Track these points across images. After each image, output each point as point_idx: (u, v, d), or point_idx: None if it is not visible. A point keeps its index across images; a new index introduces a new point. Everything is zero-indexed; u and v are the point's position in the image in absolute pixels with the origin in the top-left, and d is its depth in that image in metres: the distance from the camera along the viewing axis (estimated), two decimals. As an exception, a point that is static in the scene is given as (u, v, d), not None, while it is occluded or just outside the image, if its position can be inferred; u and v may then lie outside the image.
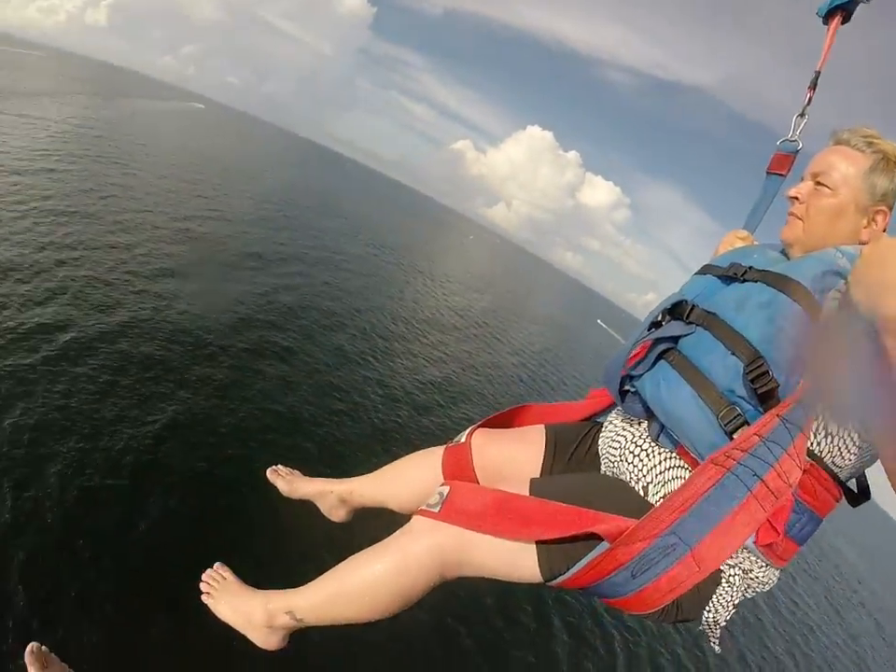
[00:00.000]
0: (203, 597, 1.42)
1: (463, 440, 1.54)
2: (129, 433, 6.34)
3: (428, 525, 1.19)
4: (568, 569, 1.13)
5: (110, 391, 7.38)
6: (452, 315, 22.41)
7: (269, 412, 8.11)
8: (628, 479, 1.34)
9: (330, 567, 1.29)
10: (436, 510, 1.19)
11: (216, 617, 1.41)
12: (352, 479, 1.72)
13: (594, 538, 1.11)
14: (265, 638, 1.31)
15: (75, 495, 5.21)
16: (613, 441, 1.42)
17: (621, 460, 1.37)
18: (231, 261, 15.87)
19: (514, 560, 1.17)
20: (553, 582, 1.18)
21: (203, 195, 24.13)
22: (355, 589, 1.19)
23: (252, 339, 10.54)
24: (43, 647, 1.36)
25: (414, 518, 1.25)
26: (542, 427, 1.58)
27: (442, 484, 1.29)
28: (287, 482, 1.79)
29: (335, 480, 1.75)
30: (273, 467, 1.85)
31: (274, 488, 1.80)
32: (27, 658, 1.30)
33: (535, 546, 1.15)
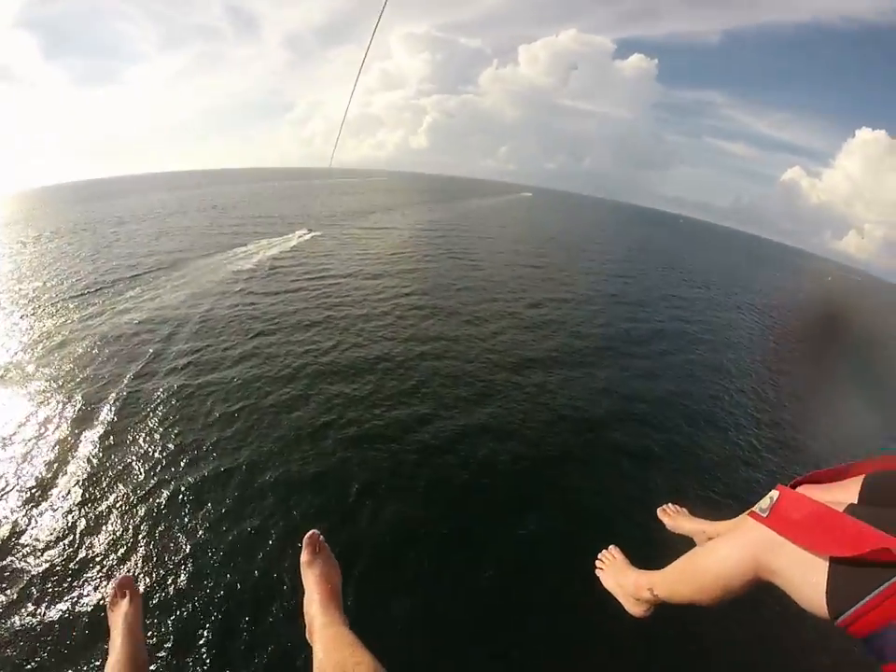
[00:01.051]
0: (597, 571, 1.89)
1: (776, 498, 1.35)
2: (539, 515, 7.58)
3: (753, 526, 1.26)
4: (858, 601, 1.03)
5: (508, 473, 8.35)
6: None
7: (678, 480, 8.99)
8: None
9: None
10: (764, 514, 1.24)
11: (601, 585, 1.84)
12: (726, 521, 1.84)
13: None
14: (633, 608, 1.70)
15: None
16: None
17: None
18: (590, 344, 15.40)
19: (805, 573, 1.14)
20: (840, 619, 1.06)
21: (550, 277, 25.38)
22: (691, 572, 1.42)
23: (629, 428, 10.50)
24: (321, 536, 1.67)
25: (746, 518, 1.32)
26: (861, 476, 1.44)
27: (774, 489, 1.31)
28: (672, 518, 2.11)
29: (711, 521, 1.95)
30: (664, 506, 2.17)
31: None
32: (306, 539, 1.64)
33: (829, 564, 1.09)
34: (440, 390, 10.95)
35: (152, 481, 7.71)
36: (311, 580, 1.55)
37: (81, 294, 17.89)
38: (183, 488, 7.54)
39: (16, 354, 12.63)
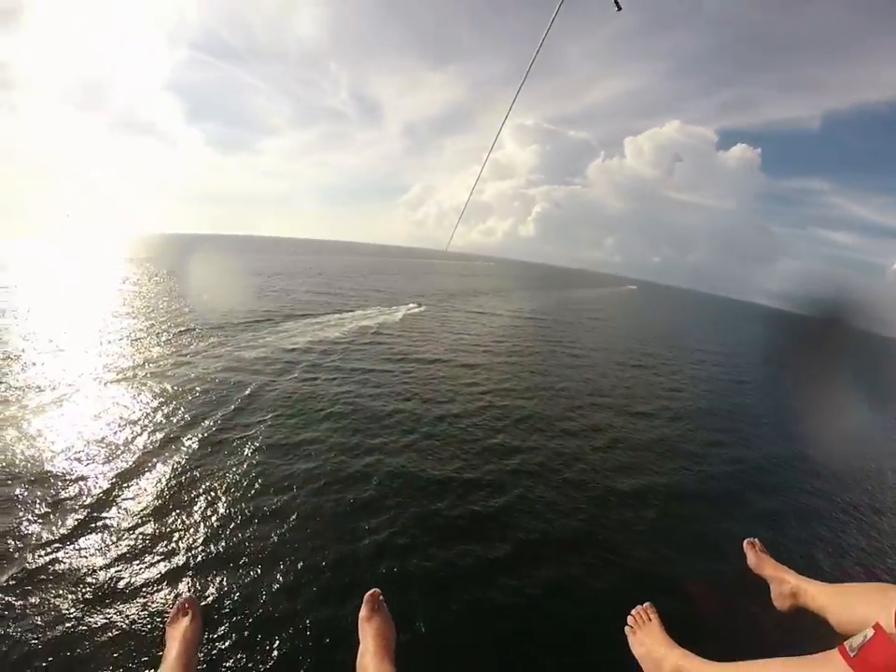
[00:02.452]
0: (627, 629, 1.78)
1: None
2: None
3: (836, 662, 1.18)
4: None
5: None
6: None
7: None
8: None
9: (746, 658, 1.37)
10: (852, 654, 1.17)
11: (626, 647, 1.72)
12: (812, 580, 1.80)
13: None
14: None
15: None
16: None
17: None
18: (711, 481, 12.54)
19: None
20: None
21: (658, 373, 23.98)
22: None
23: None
24: (381, 595, 1.91)
25: (834, 652, 1.23)
26: None
27: (871, 627, 1.22)
28: (757, 556, 2.08)
29: (796, 573, 1.89)
30: (752, 539, 2.14)
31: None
32: (367, 596, 1.93)
33: None
34: (529, 525, 9.08)
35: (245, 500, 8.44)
36: (368, 634, 1.78)
37: (206, 327, 21.37)
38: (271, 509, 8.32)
39: (141, 367, 14.96)
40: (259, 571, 6.98)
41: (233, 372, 15.42)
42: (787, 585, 1.85)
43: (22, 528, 7.38)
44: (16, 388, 12.71)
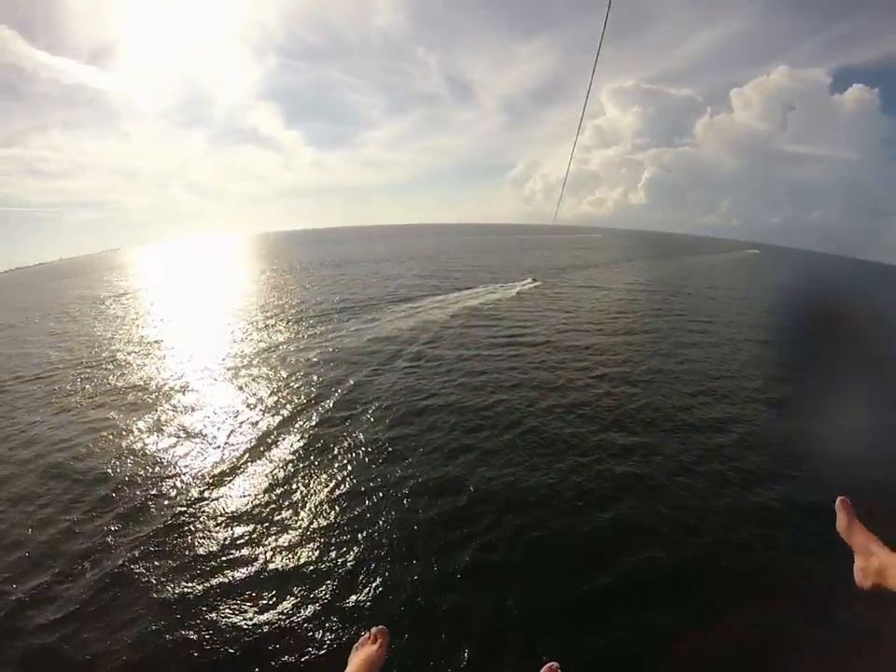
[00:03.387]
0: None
1: None
2: None
3: None
4: None
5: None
6: None
7: None
8: None
9: None
10: None
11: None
12: None
13: None
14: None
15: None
16: None
17: None
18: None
19: None
20: None
21: (785, 352, 20.22)
22: None
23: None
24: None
25: None
26: None
27: None
28: (849, 519, 1.76)
29: (888, 549, 1.64)
30: (845, 498, 1.78)
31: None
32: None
33: None
34: (649, 551, 7.54)
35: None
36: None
37: (311, 317, 22.99)
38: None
39: (258, 355, 16.61)
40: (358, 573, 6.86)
41: (339, 362, 16.22)
42: (874, 560, 1.66)
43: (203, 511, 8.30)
44: (158, 369, 16.51)
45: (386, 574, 6.95)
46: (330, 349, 17.97)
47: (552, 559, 7.23)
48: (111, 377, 16.28)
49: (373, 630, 2.11)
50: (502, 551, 7.40)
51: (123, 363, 17.94)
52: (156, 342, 21.06)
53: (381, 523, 8.08)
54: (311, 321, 22.93)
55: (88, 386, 15.44)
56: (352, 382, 14.41)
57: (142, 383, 15.48)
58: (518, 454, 10.30)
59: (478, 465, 9.79)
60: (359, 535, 7.81)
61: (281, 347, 18.64)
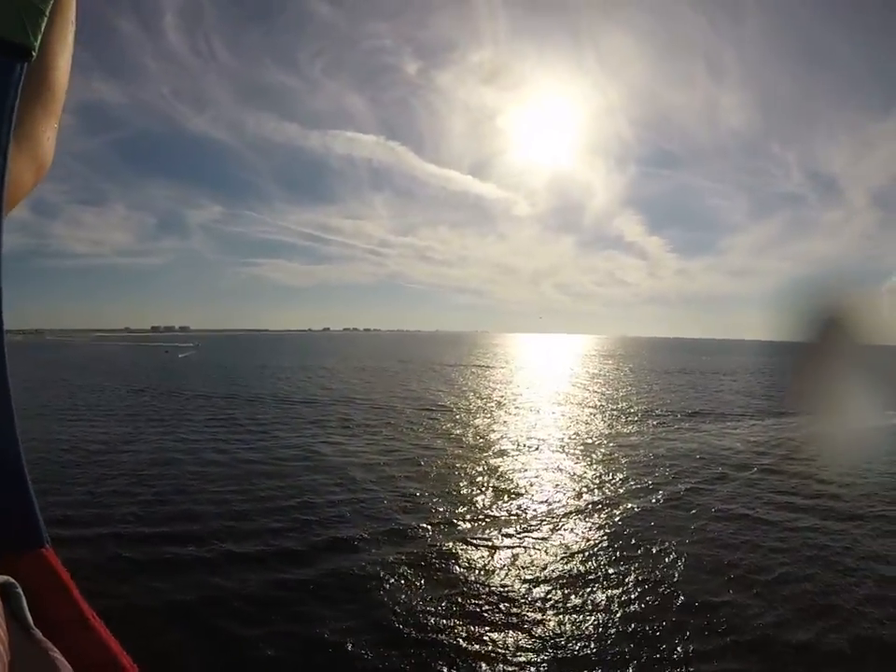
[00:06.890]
0: None
1: None
2: None
3: None
4: None
5: None
6: None
7: None
8: None
9: None
10: None
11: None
12: None
13: None
14: None
15: None
16: None
17: None
18: None
19: None
20: None
21: None
22: None
23: None
24: None
25: None
26: None
27: None
28: None
29: None
30: None
31: None
32: None
33: None
34: None
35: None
36: None
37: (654, 416, 23.93)
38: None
39: (585, 440, 18.60)
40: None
41: (662, 463, 15.41)
42: None
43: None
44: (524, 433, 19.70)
45: None
46: (668, 448, 17.64)
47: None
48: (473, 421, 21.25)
49: None
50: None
51: (477, 414, 23.29)
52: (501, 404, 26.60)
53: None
54: (655, 419, 23.46)
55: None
56: (682, 488, 13.14)
57: (494, 437, 18.92)
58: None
59: None
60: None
61: (621, 438, 19.48)
